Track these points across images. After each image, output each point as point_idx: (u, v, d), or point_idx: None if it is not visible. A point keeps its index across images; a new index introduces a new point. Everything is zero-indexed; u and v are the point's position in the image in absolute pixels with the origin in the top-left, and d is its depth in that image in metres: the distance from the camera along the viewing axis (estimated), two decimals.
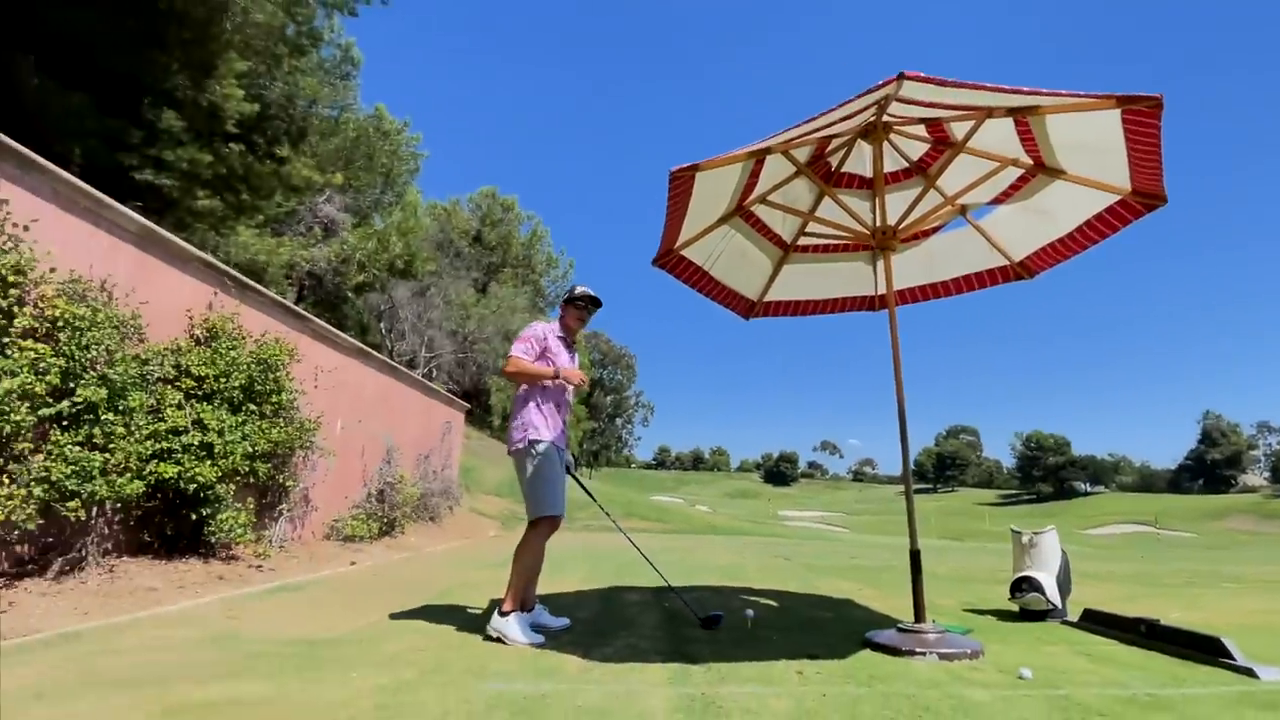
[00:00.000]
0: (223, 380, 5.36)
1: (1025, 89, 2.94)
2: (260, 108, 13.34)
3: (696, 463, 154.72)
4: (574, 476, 3.76)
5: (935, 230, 4.64)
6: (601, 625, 3.76)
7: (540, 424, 3.44)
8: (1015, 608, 4.33)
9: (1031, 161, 3.83)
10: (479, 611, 4.03)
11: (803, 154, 4.13)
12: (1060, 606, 4.17)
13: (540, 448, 3.40)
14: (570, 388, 3.66)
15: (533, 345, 3.54)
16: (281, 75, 14.19)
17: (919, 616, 3.40)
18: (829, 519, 68.34)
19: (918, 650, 3.10)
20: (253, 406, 5.68)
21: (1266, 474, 77.02)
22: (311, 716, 2.05)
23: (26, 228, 3.83)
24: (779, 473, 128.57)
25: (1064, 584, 4.28)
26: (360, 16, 15.17)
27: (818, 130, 3.30)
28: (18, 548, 3.95)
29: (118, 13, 10.17)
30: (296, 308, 7.41)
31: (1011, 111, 3.42)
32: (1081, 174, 3.69)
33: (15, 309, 3.72)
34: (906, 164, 4.40)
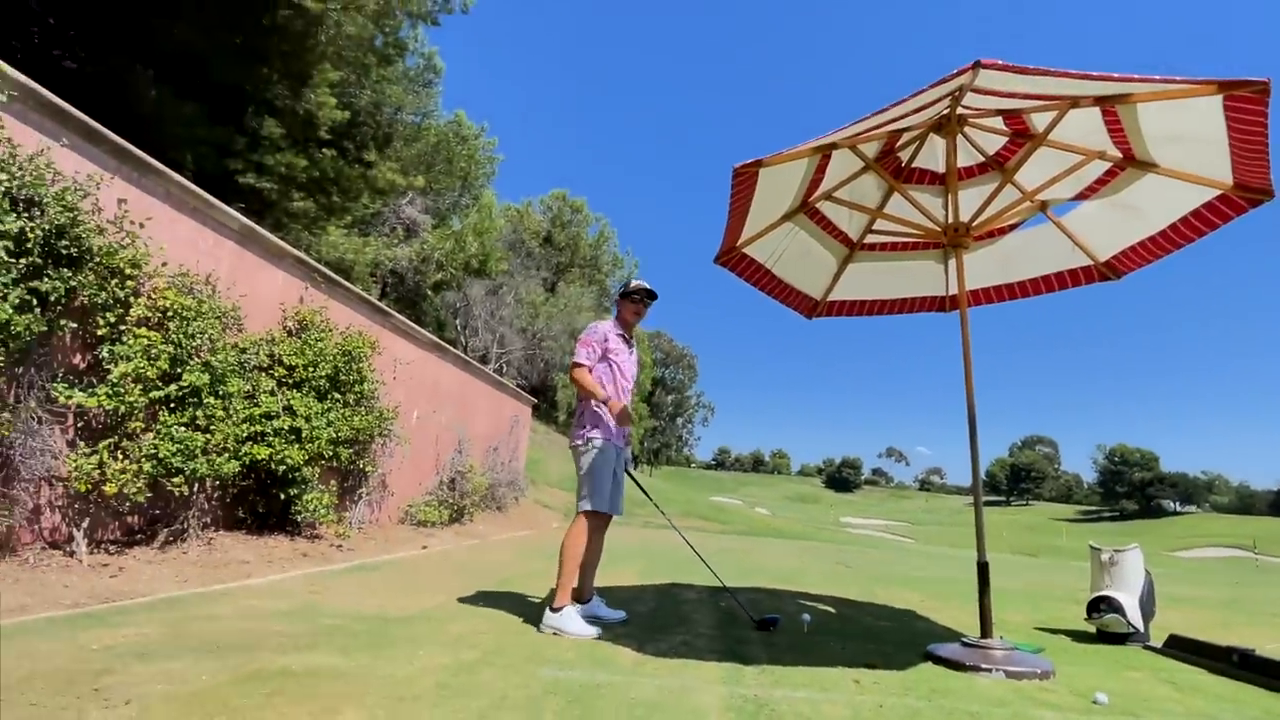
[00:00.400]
0: (311, 369, 5.67)
1: (1115, 75, 2.71)
2: (350, 115, 14.10)
3: (757, 465, 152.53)
4: (631, 475, 3.76)
5: (1012, 228, 4.37)
6: (657, 621, 3.75)
7: (599, 421, 3.47)
8: (1092, 629, 4.03)
9: (1120, 154, 3.55)
10: (538, 600, 4.10)
11: (871, 149, 3.97)
12: (1142, 630, 3.84)
13: (596, 443, 3.43)
14: (630, 386, 3.66)
15: (594, 349, 3.56)
16: (370, 84, 14.95)
17: (985, 631, 3.21)
18: (893, 527, 65.92)
19: (983, 666, 2.93)
20: (337, 395, 5.99)
21: None
22: (379, 689, 2.14)
23: (142, 225, 4.17)
24: (841, 478, 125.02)
25: (1147, 606, 3.94)
26: (442, 26, 15.78)
27: (888, 124, 3.17)
28: (129, 518, 4.32)
29: (226, 28, 10.97)
30: (379, 303, 7.77)
31: (1099, 100, 3.17)
32: (1176, 167, 3.39)
33: (131, 299, 4.06)
34: (982, 158, 4.17)
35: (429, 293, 22.22)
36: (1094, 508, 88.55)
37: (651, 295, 3.72)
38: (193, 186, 4.77)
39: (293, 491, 5.36)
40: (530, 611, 3.66)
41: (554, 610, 3.22)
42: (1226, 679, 3.09)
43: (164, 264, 4.37)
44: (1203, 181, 3.34)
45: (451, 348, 9.87)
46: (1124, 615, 3.82)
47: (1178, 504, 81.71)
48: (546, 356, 27.65)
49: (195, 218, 4.84)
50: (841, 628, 3.96)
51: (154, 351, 4.09)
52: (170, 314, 4.26)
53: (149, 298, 4.21)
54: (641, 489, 4.12)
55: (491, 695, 2.15)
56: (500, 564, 6.05)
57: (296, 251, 6.17)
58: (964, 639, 3.29)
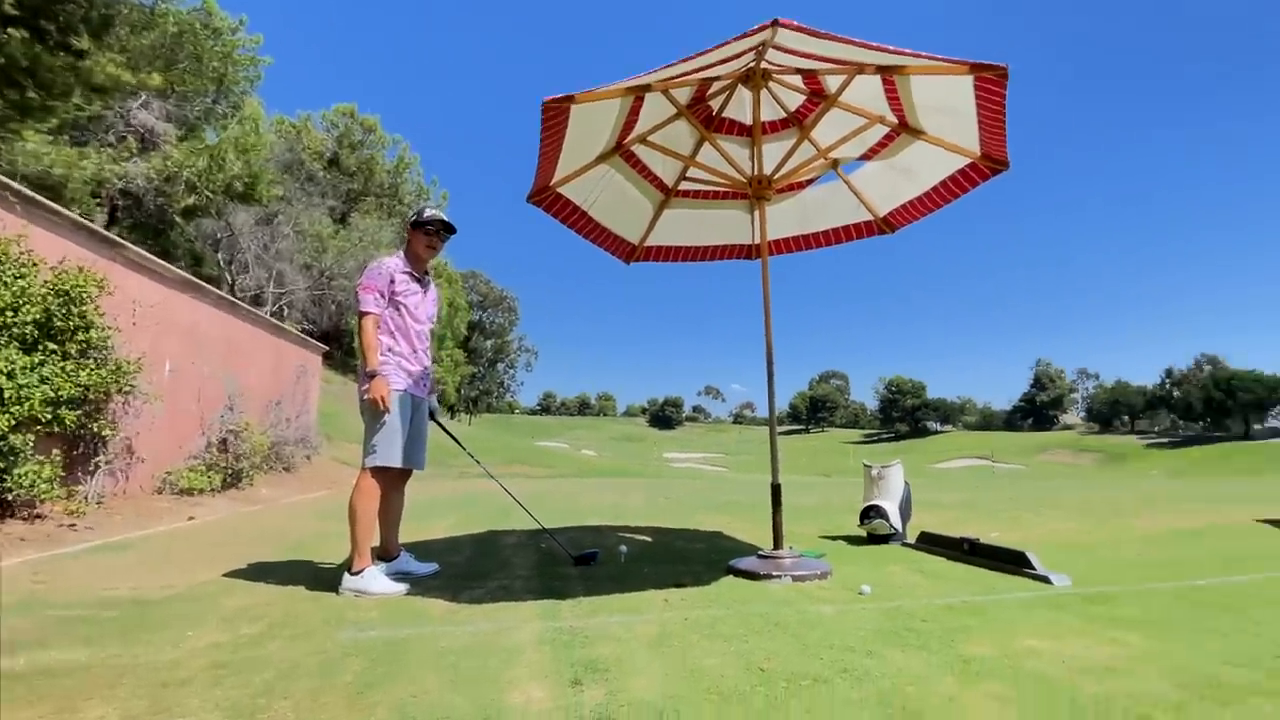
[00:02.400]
0: (10, 314, 4.63)
1: (892, 49, 3.11)
2: None
3: (583, 408, 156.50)
4: (438, 423, 3.66)
5: (809, 183, 4.88)
6: (474, 569, 3.79)
7: (387, 369, 3.30)
8: (864, 533, 4.86)
9: (896, 120, 4.10)
10: (334, 564, 3.91)
11: (683, 95, 4.13)
12: (901, 530, 4.74)
13: (392, 390, 3.27)
14: (426, 328, 3.49)
15: (379, 296, 3.31)
16: None
17: (777, 544, 3.73)
18: (711, 459, 72.33)
19: (774, 574, 3.42)
20: (52, 345, 4.99)
21: (1083, 414, 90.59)
22: (135, 678, 1.92)
23: None
24: (665, 417, 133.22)
25: (905, 511, 4.85)
26: None
27: (698, 71, 3.33)
28: None
29: None
30: (106, 231, 6.48)
31: (880, 69, 3.62)
32: (938, 135, 4.01)
33: None
34: (784, 114, 4.55)
35: (178, 220, 18.96)
36: (876, 431, 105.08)
37: (449, 228, 3.52)
38: None
39: None
40: (326, 576, 3.48)
41: (353, 574, 3.09)
42: (961, 564, 3.94)
43: None
44: (958, 150, 4.00)
45: (212, 287, 8.62)
46: (888, 520, 4.66)
47: (939, 424, 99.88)
48: (338, 298, 25.29)
49: None
50: (657, 554, 4.33)
51: None
52: None
53: None
54: (452, 437, 4.05)
55: (279, 667, 2.04)
56: (288, 529, 5.62)
57: None
58: (760, 552, 3.79)
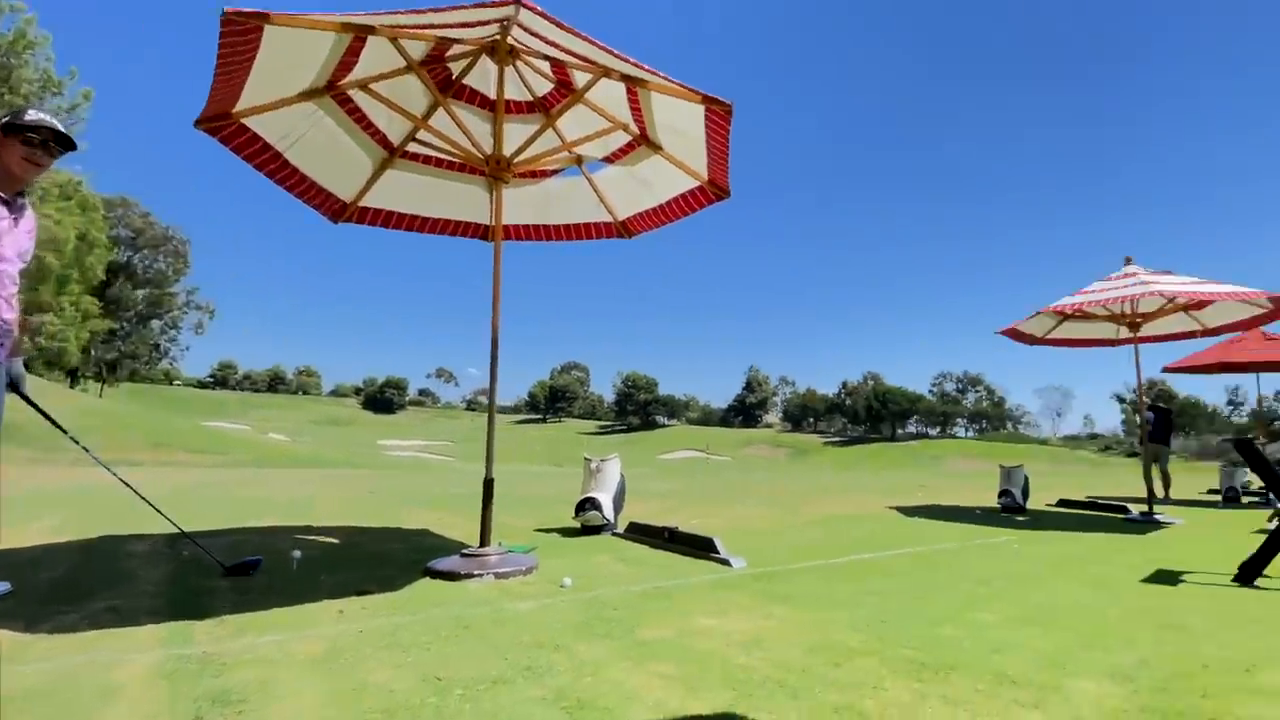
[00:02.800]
0: None
1: (634, 61, 3.35)
2: None
3: (275, 384, 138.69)
4: (23, 395, 2.88)
5: (553, 174, 5.04)
6: (72, 587, 3.11)
7: None
8: (578, 524, 5.14)
9: (638, 131, 4.44)
10: None
11: (417, 51, 3.91)
12: (613, 521, 5.11)
13: None
14: (16, 268, 2.71)
15: None
16: None
17: (484, 540, 3.74)
18: (435, 448, 69.96)
19: (476, 573, 3.42)
20: None
21: (780, 415, 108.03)
22: None
23: None
24: (384, 399, 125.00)
25: (619, 502, 5.25)
26: None
27: (432, 27, 3.19)
28: None
29: None
30: None
31: (625, 78, 3.86)
32: (674, 154, 4.44)
33: None
34: (531, 98, 4.60)
35: None
36: (611, 423, 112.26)
37: (63, 141, 2.76)
38: None
39: None
40: None
41: None
42: (664, 551, 4.37)
43: None
44: (690, 171, 4.48)
45: None
46: (601, 511, 4.99)
47: (667, 418, 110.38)
48: None
49: None
50: (342, 558, 4.03)
51: None
52: None
53: None
54: (47, 416, 3.20)
55: None
56: None
57: None
58: (463, 550, 3.76)
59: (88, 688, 1.87)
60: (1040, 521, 7.13)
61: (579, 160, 4.87)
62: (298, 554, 3.73)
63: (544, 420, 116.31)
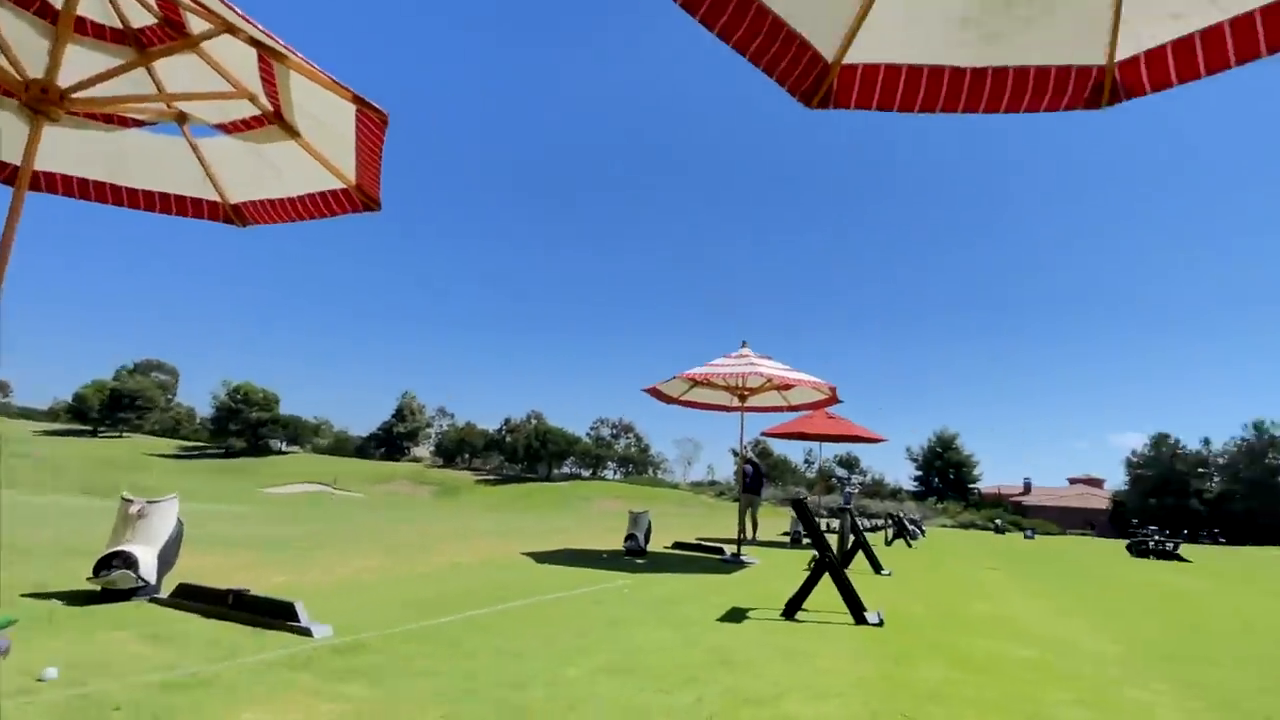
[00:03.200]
0: None
1: (274, 35, 3.06)
2: None
3: None
4: None
5: (138, 124, 4.19)
6: None
7: None
8: (98, 587, 4.17)
9: (270, 108, 3.97)
10: None
11: None
12: (153, 583, 4.28)
13: None
14: None
15: None
16: None
17: None
18: None
19: None
20: None
21: (433, 448, 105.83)
22: None
23: None
24: None
25: (169, 556, 4.46)
26: None
27: None
28: None
29: None
30: None
31: (254, 42, 3.39)
32: (316, 147, 4.10)
33: None
34: (119, 25, 3.77)
35: None
36: (201, 444, 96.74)
37: None
38: None
39: None
40: None
41: None
42: (219, 620, 3.79)
43: None
44: (334, 171, 4.16)
45: None
46: (136, 570, 4.15)
47: (284, 444, 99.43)
48: None
49: None
50: None
51: None
52: None
53: None
54: None
55: None
56: None
57: None
58: None
59: None
60: (655, 563, 8.13)
61: (181, 118, 4.12)
62: None
63: (94, 434, 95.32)
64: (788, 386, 10.58)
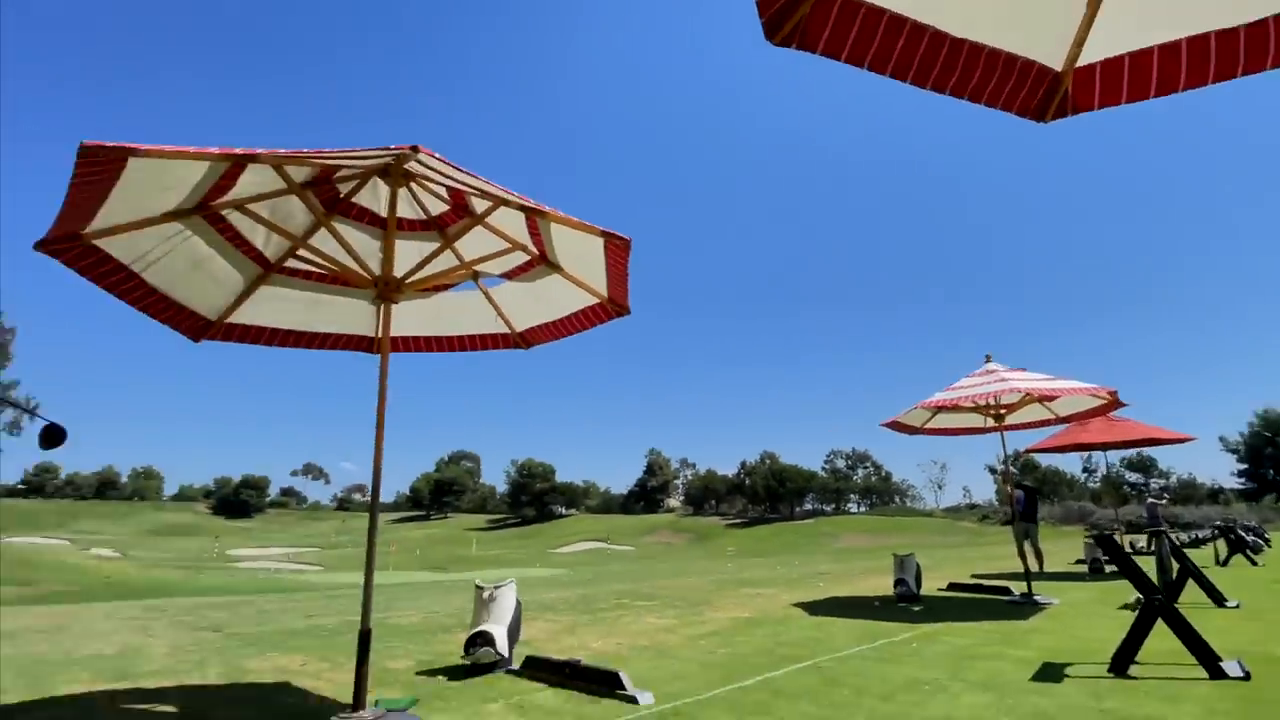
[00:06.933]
0: None
1: (532, 201, 3.75)
2: None
3: (105, 488, 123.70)
4: None
5: (446, 288, 5.10)
6: None
7: None
8: (468, 662, 4.82)
9: (537, 252, 4.68)
10: None
11: (299, 174, 3.88)
12: (507, 656, 4.86)
13: None
14: None
15: None
16: None
17: (359, 703, 3.46)
18: (299, 555, 64.34)
19: None
20: None
21: (681, 498, 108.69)
22: None
23: None
24: (238, 502, 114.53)
25: (514, 632, 5.04)
26: None
27: (324, 159, 3.22)
28: None
29: None
30: None
31: (523, 208, 4.08)
32: (574, 274, 4.70)
33: None
34: (425, 217, 4.70)
35: None
36: (503, 516, 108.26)
37: None
38: None
39: None
40: None
41: None
42: (562, 689, 4.19)
43: None
44: (589, 289, 4.75)
45: None
46: (494, 646, 4.76)
47: (564, 508, 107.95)
48: None
49: None
50: None
51: None
52: None
53: None
54: None
55: None
56: None
57: None
58: (336, 716, 3.42)
59: None
60: (934, 610, 7.49)
61: (475, 275, 5.01)
62: None
63: (428, 517, 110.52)
64: (1052, 397, 9.09)
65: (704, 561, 29.36)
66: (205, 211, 3.77)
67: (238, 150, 2.97)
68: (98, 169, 2.71)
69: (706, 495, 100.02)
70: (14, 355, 50.13)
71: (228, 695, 4.46)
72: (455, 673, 4.88)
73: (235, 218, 3.97)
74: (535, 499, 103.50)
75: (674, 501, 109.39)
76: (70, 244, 3.34)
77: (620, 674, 4.09)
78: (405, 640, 6.64)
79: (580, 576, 18.70)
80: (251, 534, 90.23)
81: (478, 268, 4.77)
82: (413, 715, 3.62)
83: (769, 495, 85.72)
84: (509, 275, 4.94)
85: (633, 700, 3.87)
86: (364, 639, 3.58)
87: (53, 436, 2.86)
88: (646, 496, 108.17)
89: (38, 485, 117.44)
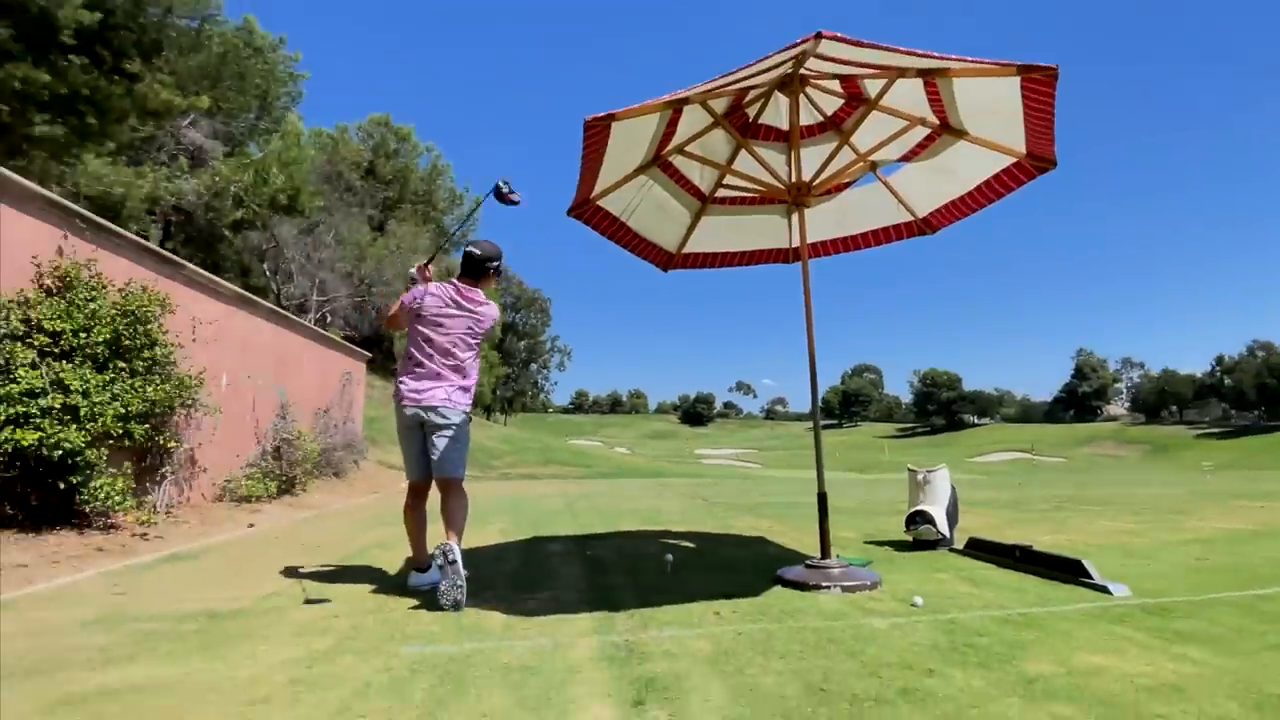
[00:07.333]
0: (83, 335, 4.87)
1: (935, 54, 3.10)
2: (102, 15, 11.60)
3: (614, 406, 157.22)
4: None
5: (847, 185, 4.86)
6: (524, 578, 3.85)
7: (401, 375, 3.47)
8: (910, 539, 4.79)
9: (938, 121, 4.04)
10: (392, 572, 4.01)
11: (720, 105, 4.15)
12: (949, 536, 4.66)
13: (397, 403, 3.43)
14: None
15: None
16: None
17: (825, 553, 3.71)
18: (743, 456, 71.95)
19: (823, 585, 3.39)
20: (122, 364, 5.21)
21: (1127, 404, 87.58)
22: (221, 696, 2.01)
23: None
24: (696, 413, 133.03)
25: (953, 515, 4.77)
26: None
27: (736, 82, 3.35)
28: None
29: None
30: (165, 251, 6.75)
31: (922, 73, 3.60)
32: (982, 136, 3.95)
33: None
34: (821, 118, 4.52)
35: (227, 233, 19.59)
36: (910, 425, 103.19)
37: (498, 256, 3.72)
38: None
39: (75, 479, 4.65)
40: (384, 585, 3.58)
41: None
42: (1012, 571, 3.86)
43: None
44: (1002, 149, 3.94)
45: (262, 299, 8.90)
46: (935, 525, 4.59)
47: (976, 417, 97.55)
48: (378, 304, 25.79)
49: None
50: (701, 562, 4.34)
51: None
52: None
53: None
54: None
55: (353, 683, 2.11)
56: (343, 536, 5.78)
57: (45, 191, 5.13)
58: (807, 561, 3.77)
59: (558, 665, 2.29)
60: None
61: (873, 166, 4.62)
62: (670, 558, 4.12)
63: (839, 425, 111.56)
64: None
65: (1169, 475, 23.42)
66: (659, 161, 4.25)
67: (674, 96, 3.26)
68: (594, 138, 3.25)
69: (1163, 400, 78.21)
70: (552, 316, 66.13)
71: (725, 540, 5.29)
72: (899, 546, 4.89)
73: (679, 161, 4.40)
74: (943, 407, 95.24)
75: (1116, 408, 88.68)
76: (586, 208, 4.18)
77: (1084, 562, 3.57)
78: (848, 517, 6.91)
79: (1008, 481, 16.77)
80: (707, 438, 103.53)
81: (875, 157, 4.37)
82: (872, 571, 3.77)
83: (1264, 397, 62.82)
84: (907, 157, 4.38)
85: (1102, 590, 3.34)
86: (822, 501, 3.82)
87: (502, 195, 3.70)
88: (1077, 403, 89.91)
89: (578, 404, 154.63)
